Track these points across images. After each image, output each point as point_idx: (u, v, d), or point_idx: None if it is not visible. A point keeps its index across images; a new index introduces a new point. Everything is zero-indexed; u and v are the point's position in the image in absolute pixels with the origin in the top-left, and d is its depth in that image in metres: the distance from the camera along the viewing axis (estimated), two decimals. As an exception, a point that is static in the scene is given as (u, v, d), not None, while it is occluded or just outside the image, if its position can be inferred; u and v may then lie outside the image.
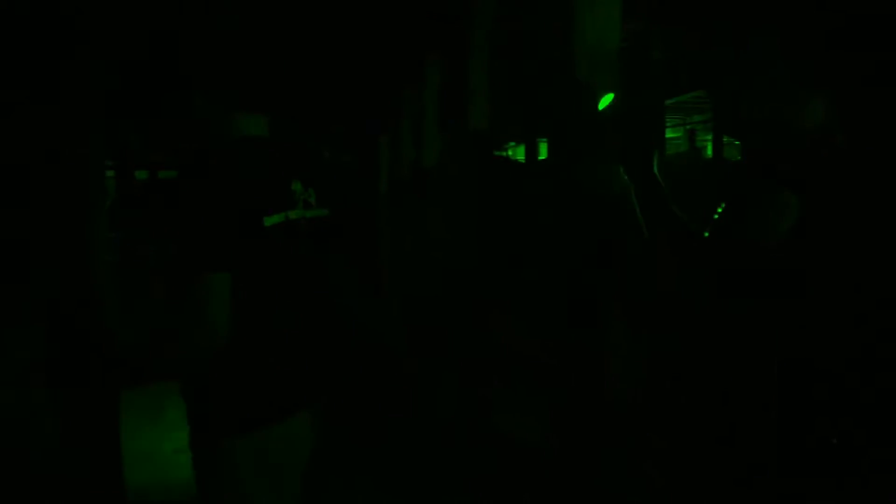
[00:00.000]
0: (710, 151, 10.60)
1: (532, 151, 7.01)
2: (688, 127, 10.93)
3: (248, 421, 1.65)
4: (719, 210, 1.44)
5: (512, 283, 3.57)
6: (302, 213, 1.71)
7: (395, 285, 6.06)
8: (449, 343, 3.98)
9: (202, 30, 1.82)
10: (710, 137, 11.05)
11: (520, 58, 5.17)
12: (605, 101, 1.94)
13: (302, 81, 5.78)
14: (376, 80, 6.16)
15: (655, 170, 1.54)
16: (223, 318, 1.51)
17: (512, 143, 13.50)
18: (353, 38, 5.10)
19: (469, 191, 3.96)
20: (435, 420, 4.00)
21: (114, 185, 8.45)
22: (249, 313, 1.58)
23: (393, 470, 3.57)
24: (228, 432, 1.64)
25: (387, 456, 3.69)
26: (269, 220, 1.61)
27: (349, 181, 7.02)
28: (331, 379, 1.84)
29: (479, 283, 3.71)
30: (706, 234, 1.42)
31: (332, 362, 1.83)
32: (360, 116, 7.23)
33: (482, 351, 3.67)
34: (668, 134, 11.31)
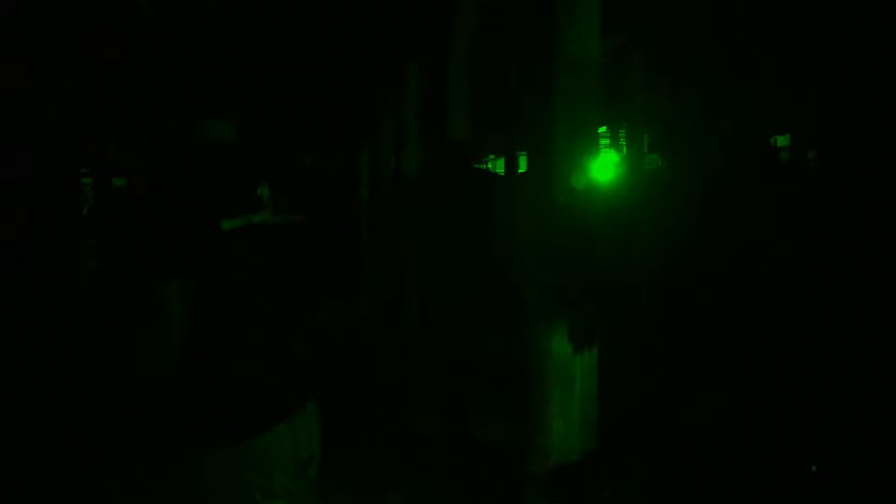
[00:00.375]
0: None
1: (511, 164, 7.02)
2: (665, 139, 11.03)
3: (215, 437, 1.60)
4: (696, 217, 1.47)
5: (491, 290, 3.59)
6: (268, 217, 1.70)
7: (375, 290, 6.06)
8: (430, 347, 3.99)
9: (182, 36, 1.81)
10: (686, 150, 11.15)
11: (500, 68, 5.21)
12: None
13: (282, 87, 5.77)
14: (358, 87, 6.17)
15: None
16: (179, 323, 1.50)
17: (492, 156, 13.55)
18: (334, 45, 5.12)
19: (449, 200, 3.97)
20: (412, 422, 4.00)
21: (91, 192, 8.37)
22: (209, 318, 1.56)
23: (372, 474, 3.56)
24: (196, 449, 1.60)
25: (365, 459, 3.68)
26: (228, 224, 1.60)
27: (329, 187, 7.01)
28: (306, 386, 1.81)
29: (461, 290, 3.72)
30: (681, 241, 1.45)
31: (305, 369, 1.80)
32: (341, 123, 7.23)
33: (463, 355, 3.68)
34: (646, 146, 11.42)
